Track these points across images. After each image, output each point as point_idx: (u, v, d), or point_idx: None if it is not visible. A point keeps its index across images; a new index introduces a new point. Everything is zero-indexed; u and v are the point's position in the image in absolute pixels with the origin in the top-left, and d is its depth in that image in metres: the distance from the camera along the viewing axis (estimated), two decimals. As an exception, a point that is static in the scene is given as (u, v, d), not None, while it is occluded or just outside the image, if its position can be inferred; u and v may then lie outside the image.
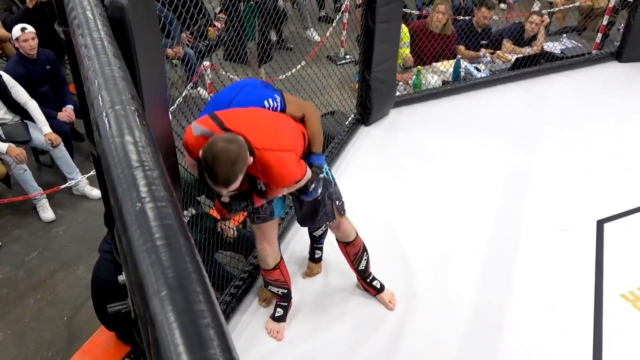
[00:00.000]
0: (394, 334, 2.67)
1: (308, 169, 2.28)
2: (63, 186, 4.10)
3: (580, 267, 3.11)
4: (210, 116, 2.08)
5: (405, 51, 5.08)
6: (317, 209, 2.47)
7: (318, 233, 2.90)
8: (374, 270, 2.82)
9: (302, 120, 2.28)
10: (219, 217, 2.50)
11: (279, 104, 2.21)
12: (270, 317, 2.72)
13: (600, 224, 3.42)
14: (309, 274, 3.01)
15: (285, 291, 2.62)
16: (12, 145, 4.01)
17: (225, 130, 2.01)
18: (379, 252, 3.13)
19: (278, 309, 2.68)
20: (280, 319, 2.69)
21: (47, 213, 4.21)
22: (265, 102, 2.19)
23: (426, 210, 3.51)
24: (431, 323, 2.77)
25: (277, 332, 2.68)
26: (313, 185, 2.30)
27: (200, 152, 1.91)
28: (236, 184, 1.95)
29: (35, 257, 3.91)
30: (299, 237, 3.23)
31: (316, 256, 3.00)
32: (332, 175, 2.54)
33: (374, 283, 2.82)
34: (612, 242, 3.28)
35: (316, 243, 2.97)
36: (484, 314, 2.84)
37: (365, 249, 2.72)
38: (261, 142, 2.02)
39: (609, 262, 3.14)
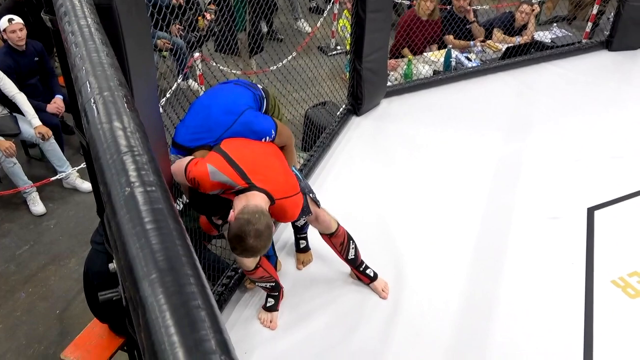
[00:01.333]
0: (386, 322, 2.67)
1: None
2: (53, 178, 4.07)
3: (571, 255, 3.13)
4: (227, 160, 2.11)
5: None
6: None
7: (300, 223, 2.91)
8: (366, 259, 2.82)
9: (282, 148, 2.42)
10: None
11: (272, 138, 2.34)
12: (262, 307, 2.72)
13: (590, 211, 3.44)
14: (300, 264, 3.00)
15: (273, 284, 2.62)
16: (2, 138, 3.98)
17: (249, 183, 2.08)
18: (370, 243, 3.14)
19: (269, 299, 2.69)
20: (272, 309, 2.69)
21: (37, 206, 4.18)
22: (263, 140, 2.31)
23: (417, 200, 3.52)
24: (423, 312, 2.78)
25: (271, 322, 2.68)
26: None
27: (228, 233, 2.01)
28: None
29: (26, 250, 3.89)
30: (280, 230, 3.23)
31: (301, 246, 3.00)
32: (297, 171, 2.58)
33: (367, 271, 2.82)
34: (603, 229, 3.30)
35: (299, 233, 2.98)
36: (475, 302, 2.85)
37: (350, 238, 2.70)
38: (280, 193, 2.15)
39: (600, 249, 3.16)
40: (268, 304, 2.69)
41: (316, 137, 4.03)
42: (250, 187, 2.08)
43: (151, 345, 0.56)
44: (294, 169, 2.53)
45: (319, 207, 2.58)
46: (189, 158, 2.19)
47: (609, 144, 4.09)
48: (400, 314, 2.77)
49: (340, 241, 2.68)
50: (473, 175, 3.74)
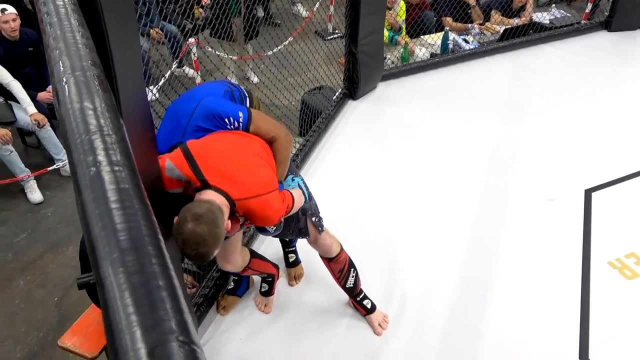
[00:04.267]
0: (381, 305, 2.67)
1: (298, 195, 2.20)
2: (51, 168, 4.06)
3: (568, 237, 3.12)
4: (185, 156, 1.93)
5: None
6: (290, 223, 2.31)
7: (287, 237, 2.69)
8: (362, 244, 2.80)
9: (270, 142, 2.15)
10: None
11: (241, 123, 2.07)
12: (259, 291, 2.72)
13: (588, 193, 3.42)
14: (291, 279, 2.87)
15: (265, 275, 2.59)
16: (-3, 126, 3.97)
17: (203, 181, 1.90)
18: (366, 226, 3.14)
19: (263, 284, 2.67)
20: (267, 294, 2.68)
21: (35, 194, 4.18)
22: (227, 120, 2.05)
23: (413, 183, 3.50)
24: (418, 295, 2.78)
25: (265, 306, 2.68)
26: (274, 227, 2.17)
27: (174, 227, 1.80)
28: (213, 255, 1.85)
29: (24, 238, 3.88)
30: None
31: (290, 260, 2.86)
32: (307, 191, 2.36)
33: (364, 302, 2.63)
34: (600, 210, 3.29)
35: (287, 247, 2.84)
36: (471, 284, 2.84)
37: (352, 265, 2.51)
38: (242, 192, 1.93)
39: (597, 230, 3.15)
40: (262, 289, 2.69)
41: (312, 122, 4.01)
42: (204, 185, 1.91)
43: (109, 324, 0.55)
44: (301, 184, 2.33)
45: (320, 233, 2.38)
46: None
47: (606, 125, 4.06)
48: (396, 297, 2.77)
49: (340, 267, 2.49)
50: (469, 158, 3.72)
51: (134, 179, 0.72)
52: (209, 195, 1.88)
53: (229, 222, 1.89)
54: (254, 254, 2.54)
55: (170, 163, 1.93)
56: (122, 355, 0.52)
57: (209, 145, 1.99)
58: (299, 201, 2.21)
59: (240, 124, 2.07)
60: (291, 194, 2.15)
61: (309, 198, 2.36)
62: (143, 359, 0.51)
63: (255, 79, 5.21)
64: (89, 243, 0.64)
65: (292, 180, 2.31)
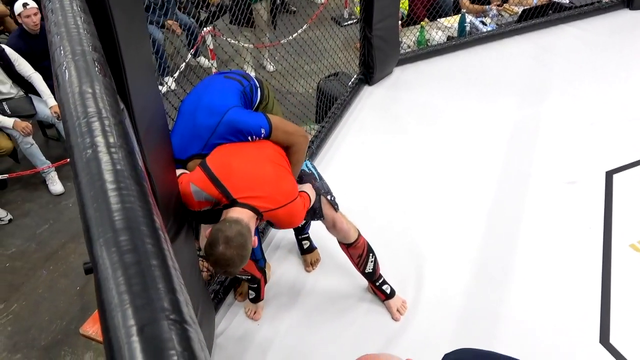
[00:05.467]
0: (399, 291, 2.66)
1: (310, 189, 2.27)
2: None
3: (589, 219, 3.07)
4: (209, 177, 2.01)
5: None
6: None
7: (303, 220, 2.78)
8: (380, 231, 2.77)
9: (287, 148, 2.23)
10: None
11: (263, 136, 2.16)
12: (247, 299, 2.71)
13: (609, 175, 3.36)
14: (308, 266, 2.88)
15: (249, 277, 2.57)
16: (18, 119, 4.03)
17: (232, 200, 1.99)
18: (383, 213, 3.12)
19: (250, 292, 2.66)
20: (254, 300, 2.66)
21: (56, 186, 4.24)
22: (249, 138, 2.14)
23: (431, 168, 3.47)
24: (436, 281, 2.76)
25: (255, 313, 2.67)
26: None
27: (205, 245, 1.92)
28: (237, 273, 2.08)
29: (46, 229, 3.95)
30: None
31: (305, 247, 2.87)
32: (316, 170, 2.42)
33: (384, 287, 2.62)
34: (621, 192, 3.23)
35: (300, 234, 2.85)
36: (490, 269, 2.82)
37: (370, 250, 2.52)
38: (269, 204, 2.03)
39: (618, 212, 3.09)
40: (250, 296, 2.67)
41: (328, 109, 3.99)
42: (232, 203, 1.99)
43: (101, 303, 0.55)
44: (310, 166, 2.40)
45: (337, 212, 2.40)
46: (179, 172, 2.11)
47: (628, 106, 3.97)
48: (415, 281, 2.76)
49: (359, 253, 2.49)
50: (489, 142, 3.67)
51: (131, 161, 0.72)
52: (237, 213, 1.97)
53: (256, 238, 2.01)
54: None
55: (196, 187, 2.01)
56: (113, 332, 0.52)
57: (228, 161, 2.08)
58: (312, 195, 2.28)
59: (262, 138, 2.17)
60: (306, 193, 2.23)
61: (319, 178, 2.40)
62: (133, 337, 0.51)
63: (271, 68, 5.20)
64: (84, 224, 0.64)
65: None
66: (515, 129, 3.79)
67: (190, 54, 4.35)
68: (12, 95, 4.19)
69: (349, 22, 5.96)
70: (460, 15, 4.88)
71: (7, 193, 4.24)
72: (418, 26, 4.84)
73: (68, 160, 4.09)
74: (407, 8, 5.12)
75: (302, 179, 2.34)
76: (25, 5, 4.21)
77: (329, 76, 4.26)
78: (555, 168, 3.43)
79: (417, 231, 3.04)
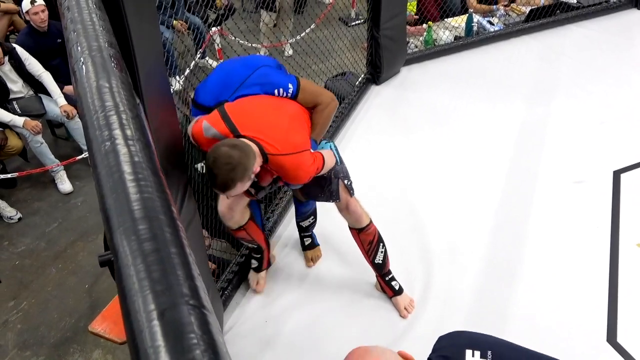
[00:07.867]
0: (407, 288, 2.66)
1: (329, 156, 2.27)
2: (79, 157, 4.15)
3: (596, 218, 3.06)
4: (222, 116, 2.06)
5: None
6: (323, 185, 2.36)
7: (305, 224, 2.81)
8: (388, 229, 2.77)
9: (313, 108, 2.27)
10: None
11: (290, 94, 2.22)
12: (251, 268, 2.75)
13: (616, 174, 3.35)
14: (308, 261, 2.90)
15: (255, 246, 2.61)
16: (28, 118, 4.06)
17: (239, 137, 2.01)
18: (391, 211, 3.13)
19: (253, 260, 2.70)
20: (257, 270, 2.70)
21: (65, 185, 4.27)
22: (276, 91, 2.20)
23: (439, 168, 3.47)
24: (444, 278, 2.77)
25: (257, 283, 2.71)
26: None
27: (207, 154, 1.94)
28: (235, 191, 1.96)
29: (55, 228, 3.98)
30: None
31: (306, 243, 2.89)
32: (338, 154, 2.41)
33: (392, 283, 2.61)
34: (629, 192, 3.22)
35: (303, 232, 2.88)
36: (499, 267, 2.82)
37: (381, 239, 2.51)
38: (275, 148, 2.03)
39: (625, 212, 3.08)
40: (253, 265, 2.70)
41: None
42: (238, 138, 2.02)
43: (122, 289, 0.56)
44: (332, 148, 2.39)
45: (352, 196, 2.42)
46: (197, 117, 2.17)
47: (636, 106, 3.96)
48: (422, 278, 2.77)
49: (370, 239, 2.48)
50: (496, 141, 3.67)
51: (148, 153, 0.74)
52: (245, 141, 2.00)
53: (259, 168, 2.01)
54: (253, 219, 2.55)
55: (207, 123, 2.06)
56: (134, 317, 0.53)
57: (245, 105, 2.13)
58: (330, 162, 2.27)
59: (289, 95, 2.22)
60: (322, 155, 2.22)
61: (340, 162, 2.41)
62: (154, 321, 0.52)
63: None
64: (103, 214, 0.65)
65: (326, 143, 2.40)
66: (522, 128, 3.79)
67: (197, 56, 4.36)
68: (22, 95, 4.23)
69: (356, 22, 5.96)
70: (467, 15, 4.88)
71: (16, 192, 4.27)
72: (425, 26, 4.85)
73: (77, 158, 4.14)
74: (415, 10, 5.12)
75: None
76: (32, 2, 4.24)
77: (336, 76, 4.27)
78: (563, 167, 3.42)
79: (424, 230, 3.04)
